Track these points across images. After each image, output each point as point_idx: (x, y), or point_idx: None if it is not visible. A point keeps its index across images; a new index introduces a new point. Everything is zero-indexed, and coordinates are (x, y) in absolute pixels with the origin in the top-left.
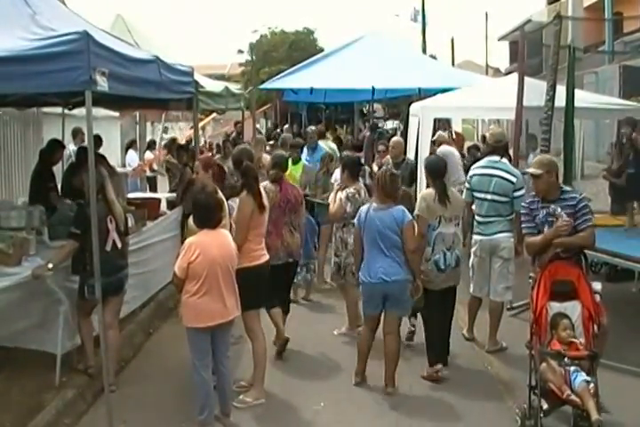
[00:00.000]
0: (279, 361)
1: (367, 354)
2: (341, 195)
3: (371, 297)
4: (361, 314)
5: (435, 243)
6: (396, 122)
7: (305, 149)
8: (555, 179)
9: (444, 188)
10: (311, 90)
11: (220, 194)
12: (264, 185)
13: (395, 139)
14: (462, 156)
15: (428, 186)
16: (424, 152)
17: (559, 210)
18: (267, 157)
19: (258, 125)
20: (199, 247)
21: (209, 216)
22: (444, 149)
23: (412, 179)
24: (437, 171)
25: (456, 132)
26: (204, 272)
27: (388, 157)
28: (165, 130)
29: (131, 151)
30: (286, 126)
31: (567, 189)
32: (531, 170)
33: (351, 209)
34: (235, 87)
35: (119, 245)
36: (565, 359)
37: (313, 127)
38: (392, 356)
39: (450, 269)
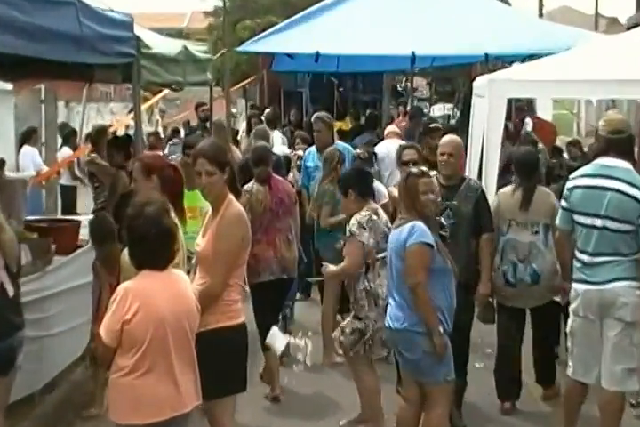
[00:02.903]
0: None
1: None
2: (352, 228)
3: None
4: (381, 408)
5: (503, 251)
6: (449, 106)
7: (314, 149)
8: None
9: (530, 188)
10: (317, 56)
11: (173, 216)
12: (249, 187)
13: (447, 138)
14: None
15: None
16: (492, 150)
17: None
18: (237, 151)
19: (234, 110)
20: (139, 299)
21: (153, 251)
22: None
23: (479, 223)
24: (527, 166)
25: (543, 122)
26: (146, 338)
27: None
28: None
29: (27, 147)
30: (250, 111)
31: None
32: None
33: (373, 240)
34: (198, 49)
35: (10, 292)
36: None
37: (324, 114)
38: None
39: (523, 285)
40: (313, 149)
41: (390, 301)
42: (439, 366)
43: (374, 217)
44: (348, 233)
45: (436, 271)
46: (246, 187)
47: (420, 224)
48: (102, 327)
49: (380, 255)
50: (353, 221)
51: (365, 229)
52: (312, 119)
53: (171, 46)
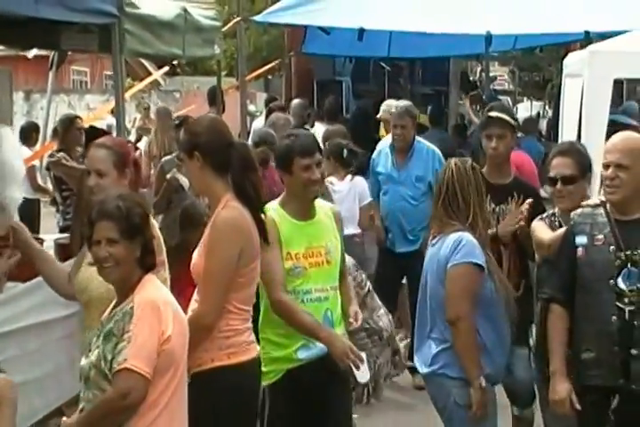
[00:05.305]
0: None
1: None
2: None
3: None
4: None
5: None
6: (538, 103)
7: (387, 149)
8: None
9: None
10: (360, 32)
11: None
12: None
13: (618, 138)
14: None
15: None
16: (595, 142)
17: None
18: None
19: (252, 107)
20: (171, 306)
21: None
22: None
23: None
24: None
25: None
26: (183, 356)
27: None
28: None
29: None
30: (273, 104)
31: None
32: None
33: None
34: (202, 14)
35: None
36: None
37: (397, 103)
38: None
39: None
40: (386, 148)
41: (417, 336)
42: (476, 424)
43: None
44: None
45: (482, 301)
46: None
47: (468, 237)
48: (137, 357)
49: (366, 289)
50: None
51: None
52: (395, 110)
53: (166, 7)
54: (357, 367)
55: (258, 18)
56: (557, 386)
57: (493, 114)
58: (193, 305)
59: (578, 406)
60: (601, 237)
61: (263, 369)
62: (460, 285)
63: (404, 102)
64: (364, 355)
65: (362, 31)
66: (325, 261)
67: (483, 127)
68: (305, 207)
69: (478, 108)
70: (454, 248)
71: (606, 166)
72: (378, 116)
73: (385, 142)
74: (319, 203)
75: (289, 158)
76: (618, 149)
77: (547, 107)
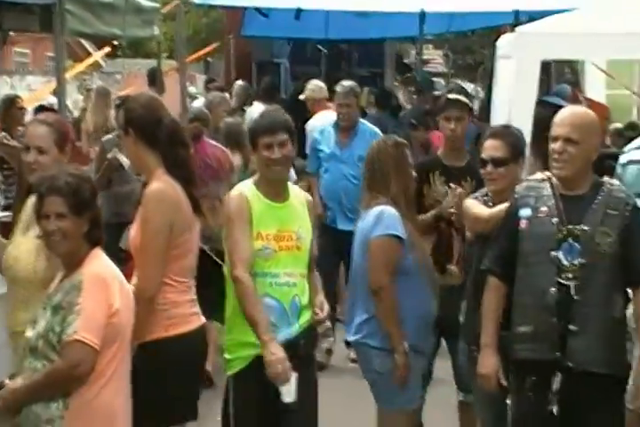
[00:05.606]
0: None
1: None
2: None
3: None
4: None
5: None
6: (471, 85)
7: (330, 128)
8: None
9: None
10: (297, 12)
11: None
12: None
13: (567, 113)
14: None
15: None
16: (523, 123)
17: None
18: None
19: (193, 88)
20: (117, 280)
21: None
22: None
23: (632, 266)
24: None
25: (594, 104)
26: (128, 329)
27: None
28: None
29: None
30: (194, 88)
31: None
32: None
33: None
34: None
35: None
36: None
37: (318, 83)
38: None
39: None
40: (329, 126)
41: (349, 307)
42: (398, 390)
43: None
44: None
45: (405, 272)
46: None
47: (389, 210)
48: (86, 329)
49: None
50: None
51: None
52: (339, 89)
53: None
54: (282, 384)
55: (197, 0)
56: (486, 360)
57: (452, 96)
58: (134, 280)
59: (504, 382)
60: (545, 209)
61: (228, 357)
62: (381, 256)
63: (348, 82)
64: (294, 376)
65: (299, 11)
66: (296, 247)
67: (441, 109)
68: (276, 188)
69: (413, 89)
70: (376, 221)
71: (554, 140)
72: (302, 96)
73: (313, 122)
74: (294, 189)
75: (254, 137)
76: (567, 123)
77: (479, 88)
